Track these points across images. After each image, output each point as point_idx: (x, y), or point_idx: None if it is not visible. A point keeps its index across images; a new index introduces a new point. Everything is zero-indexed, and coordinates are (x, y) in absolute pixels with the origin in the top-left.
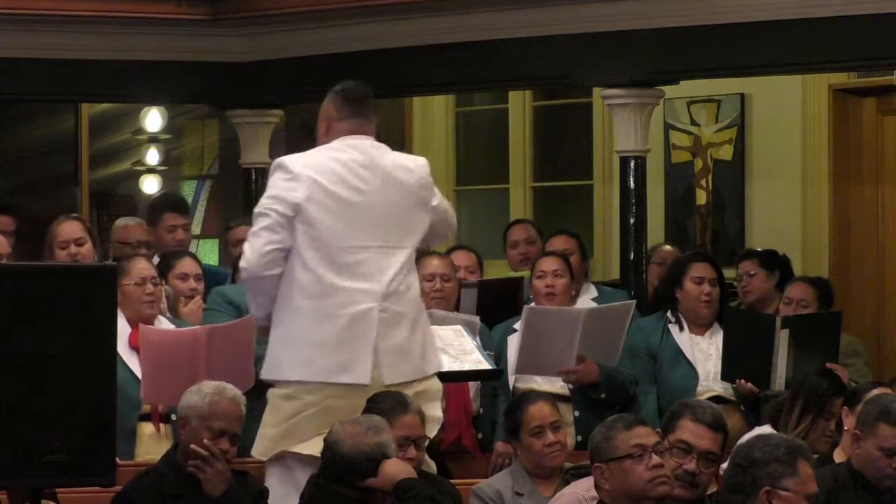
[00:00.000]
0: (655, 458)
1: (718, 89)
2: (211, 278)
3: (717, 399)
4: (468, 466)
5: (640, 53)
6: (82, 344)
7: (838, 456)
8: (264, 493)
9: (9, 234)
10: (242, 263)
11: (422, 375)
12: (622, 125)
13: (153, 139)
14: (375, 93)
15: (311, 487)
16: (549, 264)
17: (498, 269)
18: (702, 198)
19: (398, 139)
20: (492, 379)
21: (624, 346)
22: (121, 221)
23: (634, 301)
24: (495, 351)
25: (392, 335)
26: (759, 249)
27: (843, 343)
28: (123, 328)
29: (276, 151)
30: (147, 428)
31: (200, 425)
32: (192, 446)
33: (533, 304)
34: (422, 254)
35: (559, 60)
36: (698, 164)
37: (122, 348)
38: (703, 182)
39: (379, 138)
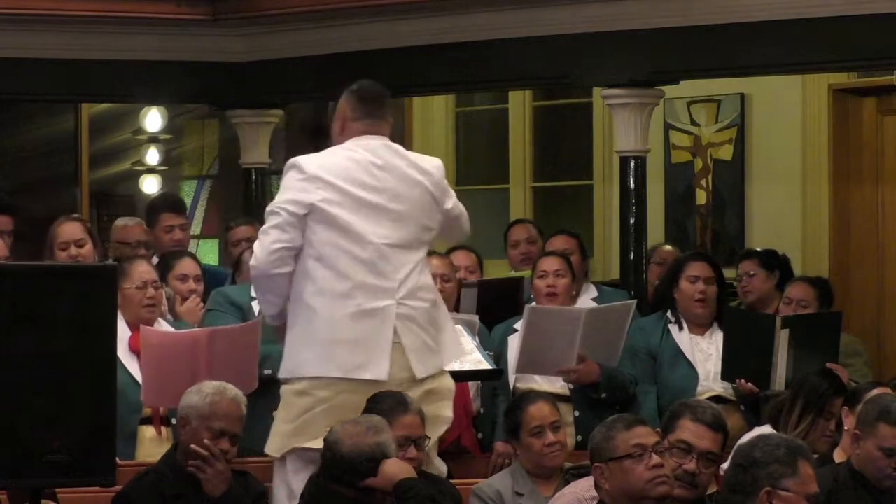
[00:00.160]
0: (655, 458)
1: (718, 89)
2: (211, 278)
3: (717, 399)
4: (468, 466)
5: (640, 53)
6: (82, 344)
7: (838, 456)
8: (264, 493)
9: (7, 234)
10: (251, 262)
11: (433, 373)
12: (622, 125)
13: (153, 139)
14: None
15: (310, 487)
16: (550, 264)
17: (498, 269)
18: (702, 198)
19: (398, 139)
20: (492, 379)
21: (624, 346)
22: (120, 221)
23: (635, 301)
24: (495, 351)
25: (413, 332)
26: (758, 249)
27: (843, 343)
28: (123, 331)
29: (276, 151)
30: (148, 431)
31: (201, 425)
32: (193, 446)
33: (534, 304)
34: None
35: (559, 60)
36: (698, 164)
37: (122, 352)
38: (703, 182)
39: None
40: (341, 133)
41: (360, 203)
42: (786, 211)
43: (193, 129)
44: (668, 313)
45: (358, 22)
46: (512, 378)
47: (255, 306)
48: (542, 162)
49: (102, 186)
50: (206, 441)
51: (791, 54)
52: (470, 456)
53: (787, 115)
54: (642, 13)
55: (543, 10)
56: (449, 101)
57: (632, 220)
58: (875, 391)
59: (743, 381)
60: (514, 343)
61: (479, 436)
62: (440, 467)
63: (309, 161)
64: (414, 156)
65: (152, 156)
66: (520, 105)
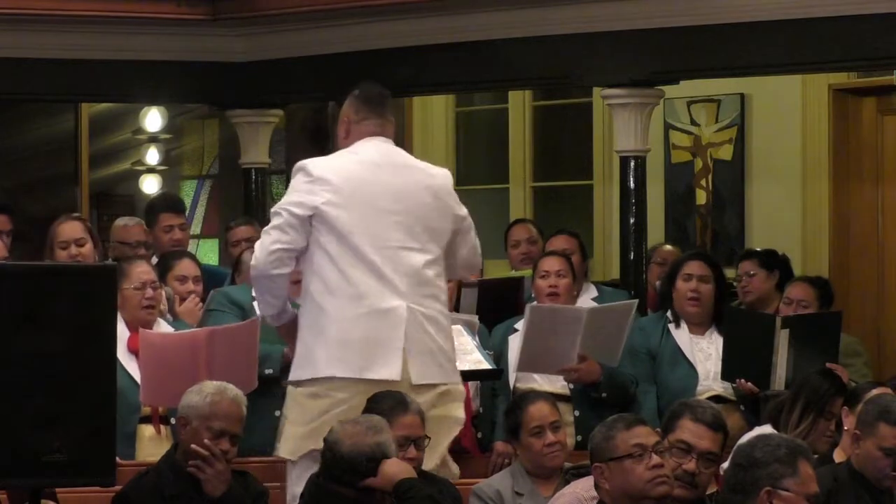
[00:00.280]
0: (655, 458)
1: (718, 89)
2: (210, 278)
3: (717, 399)
4: (468, 466)
5: (640, 53)
6: (82, 344)
7: (838, 456)
8: (264, 493)
9: (6, 233)
10: (251, 262)
11: (448, 380)
12: (622, 125)
13: (153, 139)
14: None
15: (310, 487)
16: (552, 264)
17: (498, 269)
18: (702, 198)
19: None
20: (492, 379)
21: (624, 346)
22: (120, 221)
23: (636, 301)
24: (496, 351)
25: (420, 335)
26: (758, 249)
27: (843, 343)
28: (122, 332)
29: (275, 151)
30: (147, 430)
31: (201, 425)
32: (193, 446)
33: (536, 303)
34: None
35: (559, 60)
36: (698, 163)
37: (121, 352)
38: (702, 182)
39: None
40: (346, 137)
41: (368, 205)
42: (785, 211)
43: (193, 129)
44: (668, 313)
45: (358, 22)
46: (512, 378)
47: (257, 306)
48: (542, 162)
49: (102, 186)
50: (206, 441)
51: (791, 54)
52: (469, 456)
53: (787, 115)
54: (642, 13)
55: (543, 10)
56: (449, 101)
57: (632, 220)
58: (875, 391)
59: (743, 380)
60: (514, 343)
61: (479, 435)
62: (453, 470)
63: (316, 164)
64: (419, 161)
65: (152, 156)
66: (520, 105)
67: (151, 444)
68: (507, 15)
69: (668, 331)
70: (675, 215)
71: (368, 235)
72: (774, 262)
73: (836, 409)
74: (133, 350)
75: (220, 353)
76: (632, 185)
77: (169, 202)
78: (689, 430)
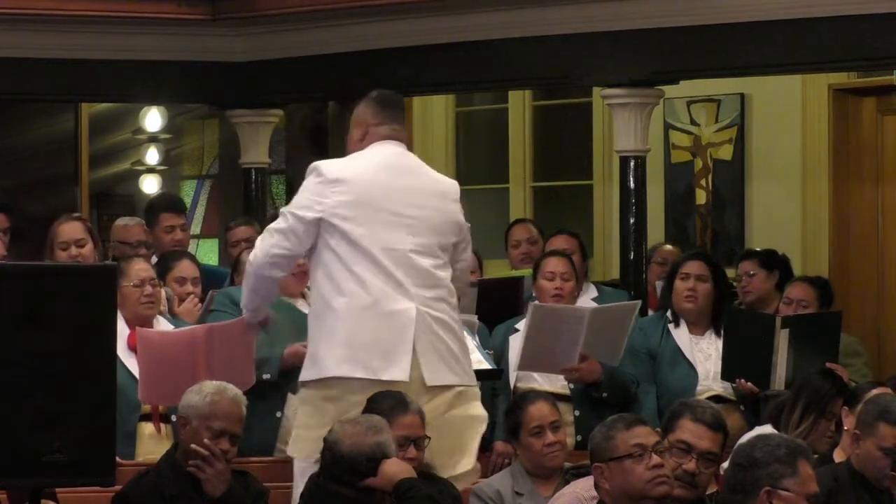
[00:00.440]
0: (655, 458)
1: (718, 89)
2: (210, 278)
3: (716, 399)
4: None
5: (640, 53)
6: (82, 344)
7: (838, 456)
8: (264, 493)
9: (3, 232)
10: (249, 256)
11: (462, 382)
12: (622, 125)
13: (153, 139)
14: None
15: (310, 487)
16: (557, 265)
17: (498, 269)
18: (702, 198)
19: None
20: (492, 379)
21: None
22: (121, 221)
23: (639, 302)
24: (496, 351)
25: (430, 337)
26: (758, 249)
27: (843, 343)
28: (122, 329)
29: (275, 151)
30: (147, 428)
31: (201, 425)
32: (193, 446)
33: (538, 302)
34: None
35: (559, 60)
36: (698, 163)
37: (121, 350)
38: (702, 182)
39: None
40: (363, 139)
41: (380, 208)
42: (785, 211)
43: (193, 129)
44: (668, 313)
45: (358, 22)
46: (513, 378)
47: None
48: (542, 162)
49: (102, 186)
50: (206, 441)
51: (791, 54)
52: None
53: (787, 115)
54: (642, 13)
55: (543, 9)
56: (449, 101)
57: (632, 220)
58: (875, 391)
59: (743, 380)
60: (515, 343)
61: None
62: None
63: (330, 165)
64: (431, 169)
65: (152, 156)
66: (520, 105)
67: (151, 443)
68: (507, 15)
69: (668, 331)
70: (675, 215)
71: (379, 238)
72: (774, 262)
73: (836, 410)
74: (133, 347)
75: (219, 350)
76: (632, 185)
77: (170, 202)
78: (689, 430)
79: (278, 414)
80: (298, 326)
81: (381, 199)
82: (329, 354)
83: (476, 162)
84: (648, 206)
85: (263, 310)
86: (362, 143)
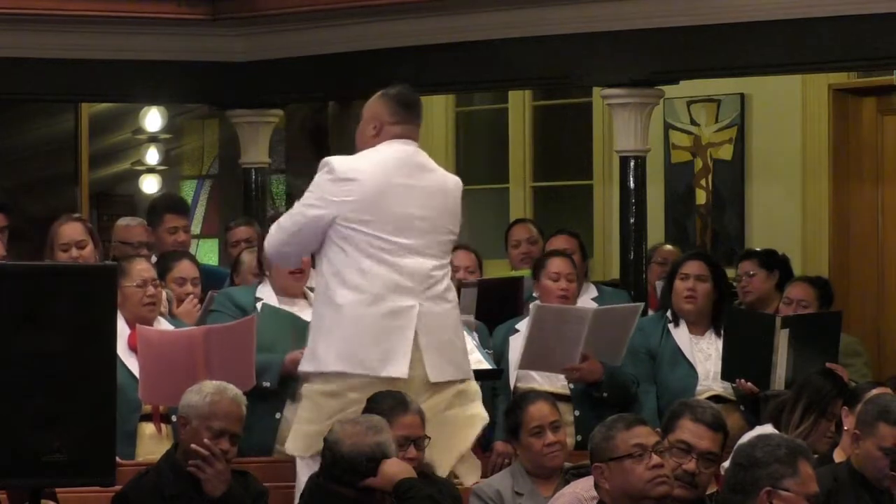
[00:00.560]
0: (655, 458)
1: (718, 89)
2: (209, 278)
3: (716, 399)
4: None
5: (640, 53)
6: (82, 344)
7: (838, 456)
8: (264, 493)
9: (1, 231)
10: (266, 242)
11: (465, 376)
12: (622, 125)
13: (153, 139)
14: (373, 93)
15: (310, 487)
16: (562, 266)
17: (498, 269)
18: (702, 198)
19: None
20: (492, 379)
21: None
22: (122, 221)
23: (642, 304)
24: (497, 351)
25: (433, 334)
26: (758, 249)
27: (843, 343)
28: (122, 329)
29: (275, 151)
30: (148, 428)
31: (201, 425)
32: (193, 446)
33: (539, 302)
34: None
35: (559, 60)
36: (698, 163)
37: (122, 350)
38: (702, 182)
39: None
40: (376, 136)
41: (389, 208)
42: (785, 211)
43: (193, 129)
44: (668, 313)
45: (358, 22)
46: (513, 378)
47: (259, 308)
48: (542, 162)
49: (102, 186)
50: (206, 441)
51: (791, 54)
52: None
53: (787, 115)
54: (642, 13)
55: (543, 10)
56: (449, 101)
57: (632, 220)
58: (875, 391)
59: (743, 380)
60: (515, 343)
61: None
62: (476, 464)
63: (341, 163)
64: (438, 167)
65: (152, 156)
66: (520, 105)
67: (152, 443)
68: (507, 15)
69: (668, 331)
70: (675, 215)
71: (386, 237)
72: (774, 262)
73: (837, 410)
74: (133, 347)
75: (218, 352)
76: (632, 185)
77: (174, 204)
78: (690, 430)
79: (277, 415)
80: (299, 333)
81: (390, 199)
82: (329, 350)
83: (476, 162)
84: (648, 206)
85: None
86: (375, 139)
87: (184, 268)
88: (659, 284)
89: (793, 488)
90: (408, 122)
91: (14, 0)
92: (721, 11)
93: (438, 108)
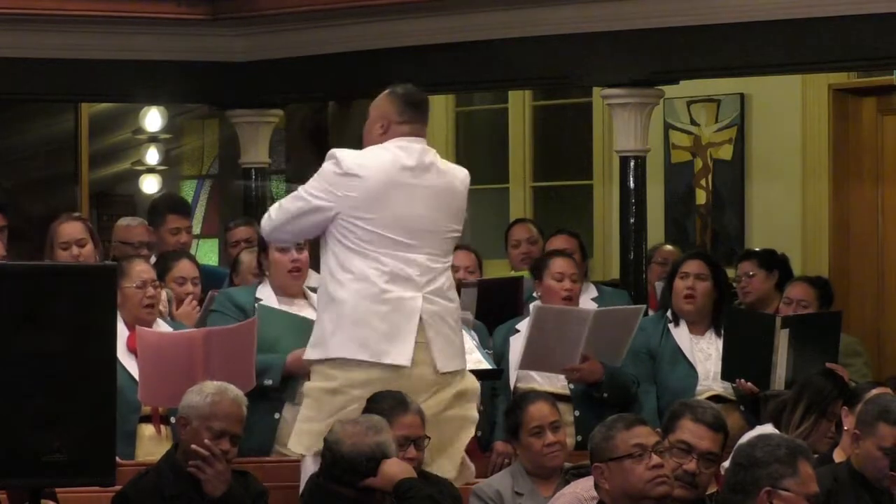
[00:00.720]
0: (655, 458)
1: (718, 89)
2: (209, 278)
3: (716, 399)
4: None
5: (640, 53)
6: (82, 344)
7: (838, 456)
8: (264, 494)
9: (1, 231)
10: (263, 221)
11: (459, 368)
12: (622, 125)
13: (153, 139)
14: (374, 93)
15: (310, 487)
16: (565, 266)
17: (498, 269)
18: (702, 198)
19: None
20: (492, 379)
21: None
22: (123, 221)
23: (644, 307)
24: (497, 351)
25: (438, 325)
26: (757, 249)
27: (843, 343)
28: (121, 331)
29: (275, 151)
30: (147, 429)
31: (201, 425)
32: (193, 446)
33: (539, 303)
34: None
35: (558, 60)
36: (698, 163)
37: (121, 351)
38: (702, 182)
39: None
40: (384, 135)
41: (392, 205)
42: (785, 211)
43: (193, 129)
44: (669, 313)
45: (357, 22)
46: (513, 378)
47: (258, 307)
48: (542, 162)
49: (102, 186)
50: (206, 441)
51: (791, 54)
52: (469, 456)
53: (787, 115)
54: (642, 13)
55: (543, 10)
56: (449, 101)
57: (632, 220)
58: (875, 391)
59: (743, 380)
60: (516, 344)
61: (479, 435)
62: (471, 469)
63: (348, 156)
64: (447, 163)
65: (152, 155)
66: (520, 105)
67: (151, 444)
68: (507, 15)
69: (668, 331)
70: (675, 215)
71: (388, 233)
72: (774, 262)
73: (837, 410)
74: (132, 349)
75: (217, 354)
76: (632, 185)
77: (176, 204)
78: (690, 431)
79: (277, 415)
80: (298, 331)
81: (393, 197)
82: (333, 337)
83: (476, 162)
84: (648, 206)
85: None
86: (383, 137)
87: (184, 267)
88: (659, 285)
89: (793, 488)
90: (416, 120)
91: (14, 0)
92: (721, 11)
93: (438, 108)
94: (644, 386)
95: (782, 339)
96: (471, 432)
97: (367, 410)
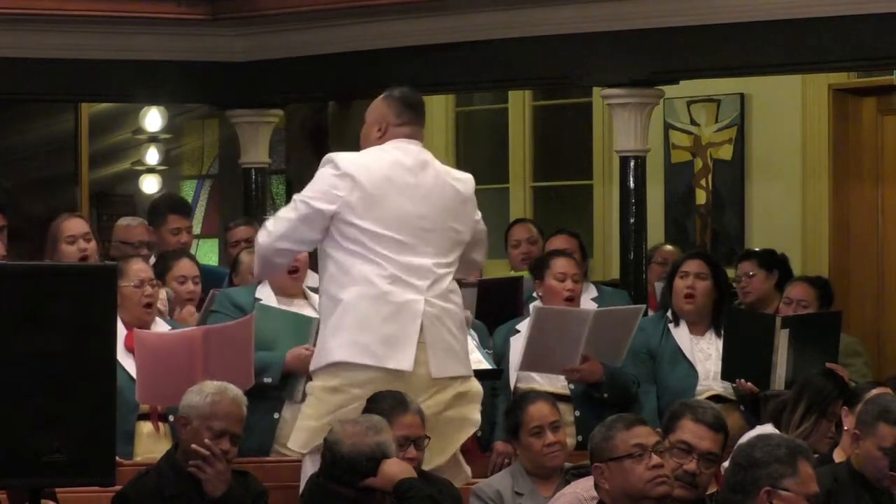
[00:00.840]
0: (655, 458)
1: (718, 89)
2: (209, 278)
3: (716, 399)
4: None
5: (641, 53)
6: (82, 344)
7: (838, 456)
8: (264, 493)
9: (1, 231)
10: (259, 237)
11: (467, 372)
12: (622, 125)
13: (153, 139)
14: (374, 93)
15: (310, 487)
16: (567, 266)
17: (498, 269)
18: (701, 198)
19: None
20: (492, 379)
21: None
22: (123, 221)
23: (644, 307)
24: (497, 352)
25: (437, 329)
26: (757, 249)
27: (843, 343)
28: (119, 330)
29: (275, 151)
30: (146, 427)
31: (201, 425)
32: (193, 446)
33: (539, 303)
34: None
35: (558, 60)
36: (698, 163)
37: (119, 351)
38: (702, 182)
39: None
40: (381, 138)
41: (392, 206)
42: (785, 211)
43: (193, 129)
44: (669, 313)
45: (357, 22)
46: (513, 378)
47: (257, 307)
48: (542, 162)
49: (102, 186)
50: (206, 441)
51: (791, 54)
52: (470, 456)
53: (787, 115)
54: (642, 13)
55: (543, 9)
56: (449, 101)
57: (632, 220)
58: (875, 391)
59: (743, 380)
60: (516, 344)
61: (479, 435)
62: (467, 471)
63: (346, 159)
64: (447, 167)
65: (152, 155)
66: (520, 105)
67: (150, 442)
68: (507, 15)
69: (668, 331)
70: (675, 215)
71: (388, 234)
72: (773, 262)
73: (837, 410)
74: (131, 349)
75: (216, 352)
76: (632, 185)
77: (177, 204)
78: (690, 431)
79: (276, 415)
80: (297, 329)
81: (391, 198)
82: (336, 342)
83: (476, 162)
84: (648, 206)
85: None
86: (380, 140)
87: (184, 266)
88: (659, 285)
89: (793, 488)
90: (413, 122)
91: (14, 0)
92: (721, 11)
93: (438, 108)
94: (644, 386)
95: (782, 339)
96: (468, 433)
97: (367, 410)
